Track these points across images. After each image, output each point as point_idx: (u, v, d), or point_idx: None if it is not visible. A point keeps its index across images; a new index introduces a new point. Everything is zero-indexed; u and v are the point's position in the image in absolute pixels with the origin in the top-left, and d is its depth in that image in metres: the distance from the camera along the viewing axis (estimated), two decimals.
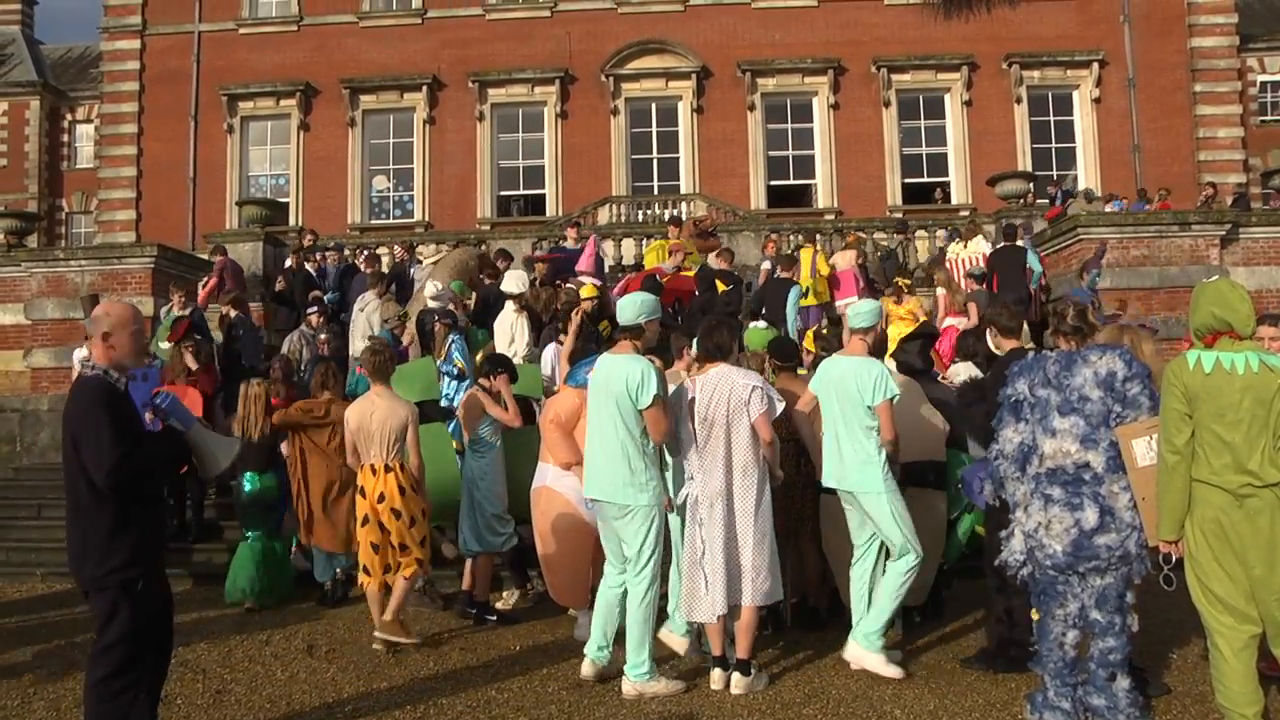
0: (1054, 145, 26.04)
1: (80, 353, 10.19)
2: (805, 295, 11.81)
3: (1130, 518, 4.32)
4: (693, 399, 5.16)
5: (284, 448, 7.61)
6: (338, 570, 7.47)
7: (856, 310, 5.71)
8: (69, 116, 39.30)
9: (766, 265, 13.37)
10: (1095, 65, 25.63)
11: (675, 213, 23.22)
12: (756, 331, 9.70)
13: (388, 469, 6.12)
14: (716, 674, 5.13)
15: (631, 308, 5.33)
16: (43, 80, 38.84)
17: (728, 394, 5.09)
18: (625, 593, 5.22)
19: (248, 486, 7.60)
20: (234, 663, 5.97)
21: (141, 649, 3.89)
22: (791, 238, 17.44)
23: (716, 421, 5.09)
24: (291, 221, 24.56)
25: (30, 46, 40.81)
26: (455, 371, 8.26)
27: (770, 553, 5.13)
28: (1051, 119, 26.12)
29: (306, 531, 7.42)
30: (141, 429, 3.99)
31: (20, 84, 38.64)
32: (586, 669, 5.26)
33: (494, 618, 6.69)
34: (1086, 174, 25.19)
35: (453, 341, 8.40)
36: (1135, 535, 4.30)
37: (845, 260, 13.04)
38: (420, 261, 15.23)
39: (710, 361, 5.27)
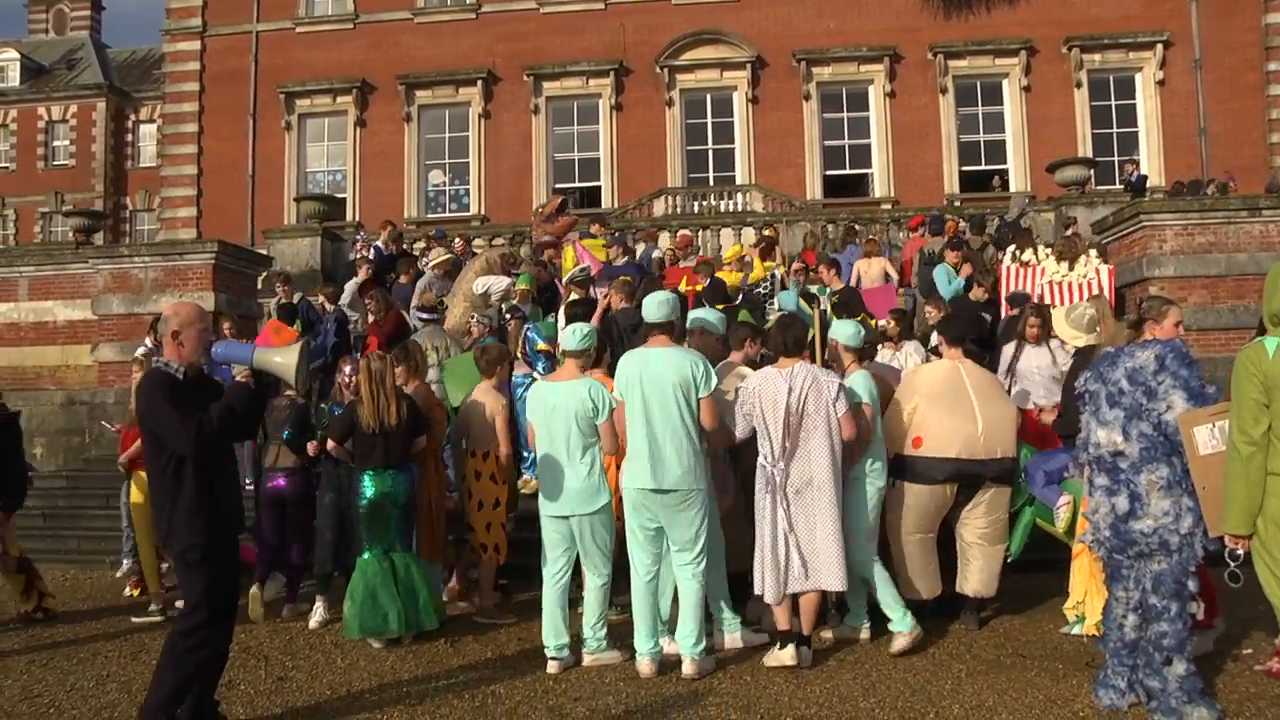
0: (1115, 130, 25.38)
1: (141, 349, 10.42)
2: None
3: (1167, 507, 4.31)
4: (787, 389, 5.27)
5: (421, 440, 6.38)
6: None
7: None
8: (133, 117, 40.38)
9: (656, 254, 13.22)
10: (1159, 46, 24.93)
11: (730, 204, 23.22)
12: None
13: (471, 454, 6.63)
14: (789, 651, 5.22)
15: (661, 306, 5.47)
16: (109, 83, 39.96)
17: (821, 388, 5.31)
18: (658, 581, 5.39)
19: (370, 490, 6.09)
20: (295, 650, 6.08)
21: (215, 616, 4.25)
22: (832, 228, 17.10)
23: (809, 413, 5.27)
24: (349, 217, 24.90)
25: (98, 51, 41.96)
26: (536, 353, 8.61)
27: (842, 541, 5.31)
28: (1113, 103, 25.45)
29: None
30: (205, 397, 4.25)
31: (88, 87, 39.81)
32: (646, 668, 5.24)
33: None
34: (1150, 159, 24.55)
35: (527, 329, 8.90)
36: (1170, 524, 4.30)
37: (876, 270, 11.83)
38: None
39: (789, 356, 5.44)
